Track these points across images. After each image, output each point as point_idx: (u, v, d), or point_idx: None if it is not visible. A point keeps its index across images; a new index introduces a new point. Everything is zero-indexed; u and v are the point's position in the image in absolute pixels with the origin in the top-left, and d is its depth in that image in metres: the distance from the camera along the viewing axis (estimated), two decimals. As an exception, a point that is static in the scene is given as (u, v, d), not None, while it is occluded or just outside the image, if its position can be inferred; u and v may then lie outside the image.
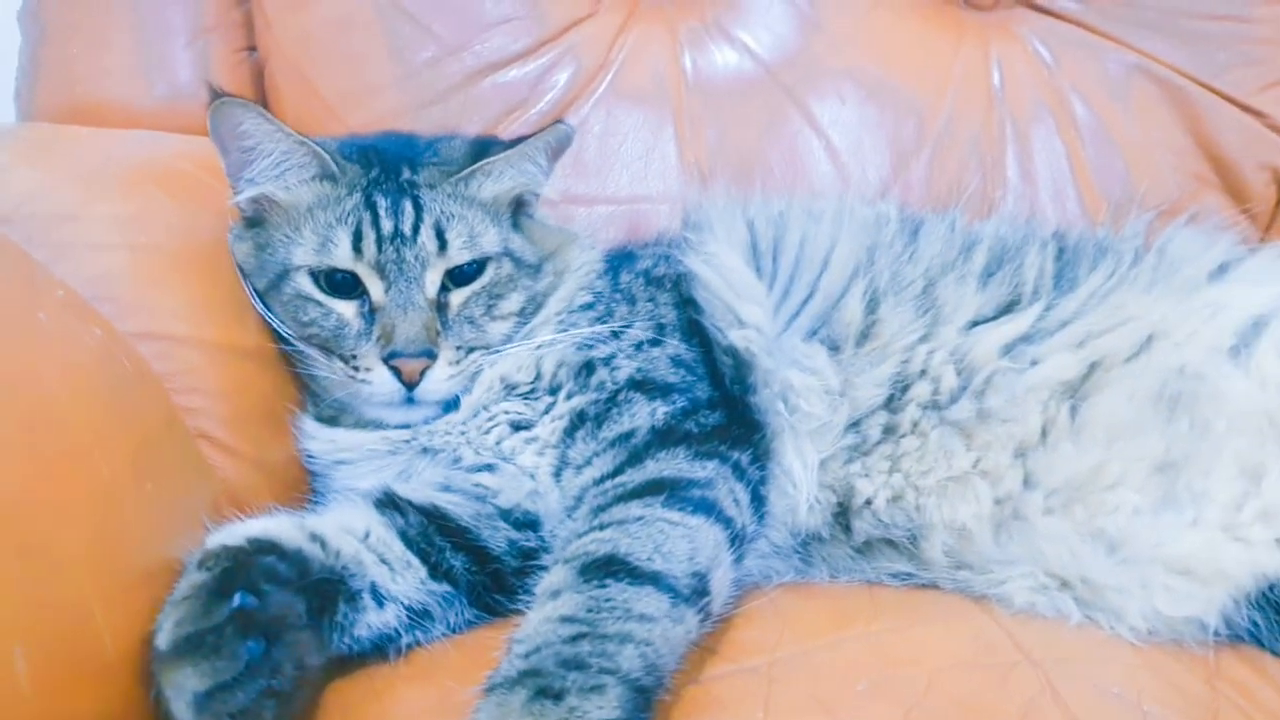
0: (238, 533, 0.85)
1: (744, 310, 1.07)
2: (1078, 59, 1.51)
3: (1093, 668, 0.88)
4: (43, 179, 1.10)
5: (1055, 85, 1.50)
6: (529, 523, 1.02)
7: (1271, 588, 0.92)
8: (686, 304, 1.12)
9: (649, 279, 1.16)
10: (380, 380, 1.02)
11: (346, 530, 0.93)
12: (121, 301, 0.99)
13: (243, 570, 0.78)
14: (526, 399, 1.06)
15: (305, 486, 1.08)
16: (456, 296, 1.06)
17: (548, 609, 0.79)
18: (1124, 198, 1.40)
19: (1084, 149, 1.50)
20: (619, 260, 1.20)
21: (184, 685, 0.71)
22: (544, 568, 0.87)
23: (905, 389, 1.04)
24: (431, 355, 1.02)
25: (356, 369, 1.03)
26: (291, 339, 1.06)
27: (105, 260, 1.02)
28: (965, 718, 0.79)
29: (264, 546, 0.84)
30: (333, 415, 1.10)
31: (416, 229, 1.04)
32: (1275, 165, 1.50)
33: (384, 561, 0.93)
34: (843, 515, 1.02)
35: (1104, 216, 1.33)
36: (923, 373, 1.04)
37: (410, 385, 1.02)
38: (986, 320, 1.06)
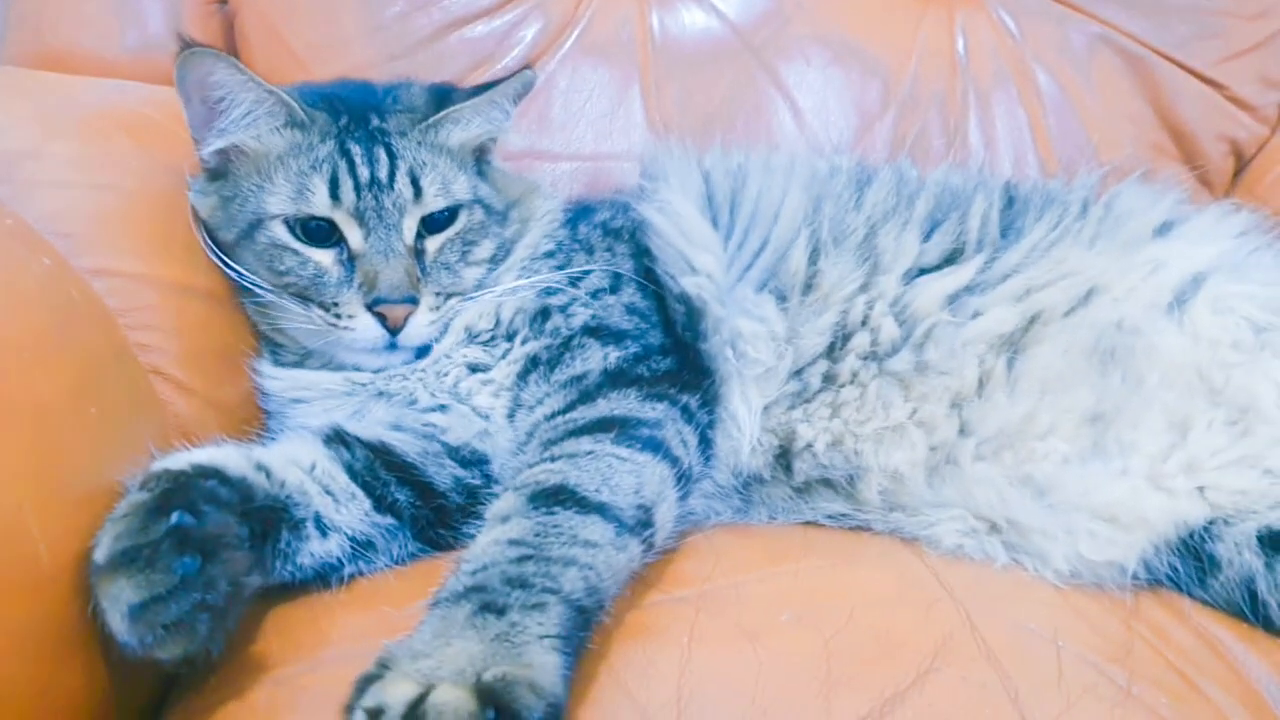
0: (182, 459, 0.86)
1: (696, 257, 1.09)
2: (1041, 28, 1.52)
3: (1013, 606, 0.90)
4: (3, 117, 1.11)
5: (1018, 54, 1.52)
6: (476, 461, 1.03)
7: (1191, 535, 0.95)
8: (643, 254, 1.14)
9: (607, 230, 1.18)
10: (364, 327, 1.04)
11: (292, 462, 0.95)
12: (77, 237, 1.00)
13: (183, 491, 0.80)
14: (486, 345, 1.09)
15: (259, 425, 1.09)
16: (432, 243, 1.07)
17: (496, 532, 0.81)
18: (1082, 165, 1.42)
19: (1045, 117, 1.51)
20: (579, 212, 1.21)
21: (119, 597, 0.73)
22: (489, 501, 0.89)
23: (846, 339, 1.05)
24: (414, 301, 1.04)
25: (339, 317, 1.04)
26: (259, 289, 1.06)
27: (63, 197, 1.03)
28: (883, 648, 0.81)
29: (207, 472, 0.85)
30: (296, 360, 1.11)
31: (392, 176, 1.05)
32: (1233, 136, 1.52)
33: (328, 493, 0.95)
34: (784, 457, 1.05)
35: (1059, 174, 1.34)
36: (863, 323, 1.05)
37: (394, 331, 1.04)
38: (930, 270, 1.07)
